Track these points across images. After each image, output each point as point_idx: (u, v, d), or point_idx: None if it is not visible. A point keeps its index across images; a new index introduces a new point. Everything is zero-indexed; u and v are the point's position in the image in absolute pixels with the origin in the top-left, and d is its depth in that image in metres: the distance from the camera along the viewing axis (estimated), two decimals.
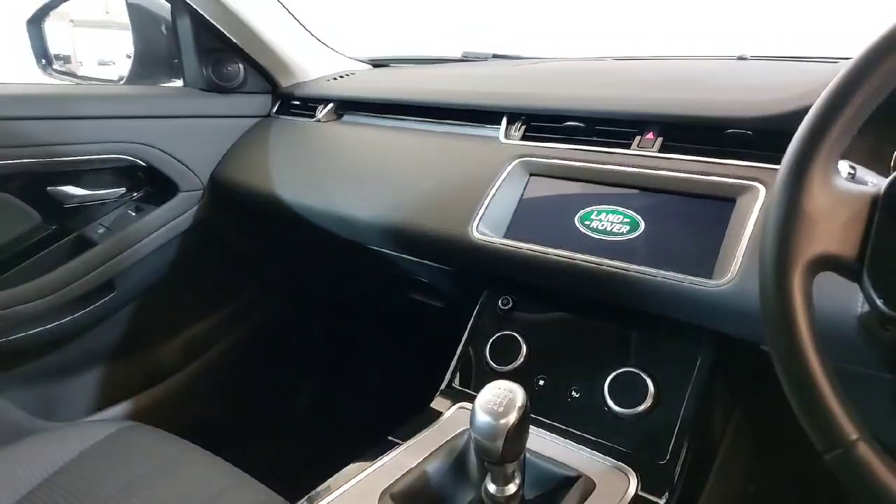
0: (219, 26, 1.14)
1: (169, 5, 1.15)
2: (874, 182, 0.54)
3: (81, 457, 0.84)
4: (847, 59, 0.46)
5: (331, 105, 1.19)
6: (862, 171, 0.55)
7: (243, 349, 1.34)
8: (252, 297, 1.35)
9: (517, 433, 0.57)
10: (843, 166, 0.54)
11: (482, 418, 0.57)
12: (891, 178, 0.44)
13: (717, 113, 0.77)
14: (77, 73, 1.43)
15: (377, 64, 1.44)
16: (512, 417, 0.57)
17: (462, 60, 1.41)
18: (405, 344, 1.34)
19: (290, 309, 1.42)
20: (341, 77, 1.29)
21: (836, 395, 0.41)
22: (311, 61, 1.29)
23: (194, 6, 1.10)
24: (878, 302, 0.43)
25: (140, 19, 1.19)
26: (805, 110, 0.71)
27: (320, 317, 1.46)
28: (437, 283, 1.01)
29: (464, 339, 0.83)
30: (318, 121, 1.18)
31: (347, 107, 1.19)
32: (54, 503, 0.77)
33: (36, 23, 1.23)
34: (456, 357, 0.83)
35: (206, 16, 1.12)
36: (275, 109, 1.28)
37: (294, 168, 1.11)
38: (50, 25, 1.33)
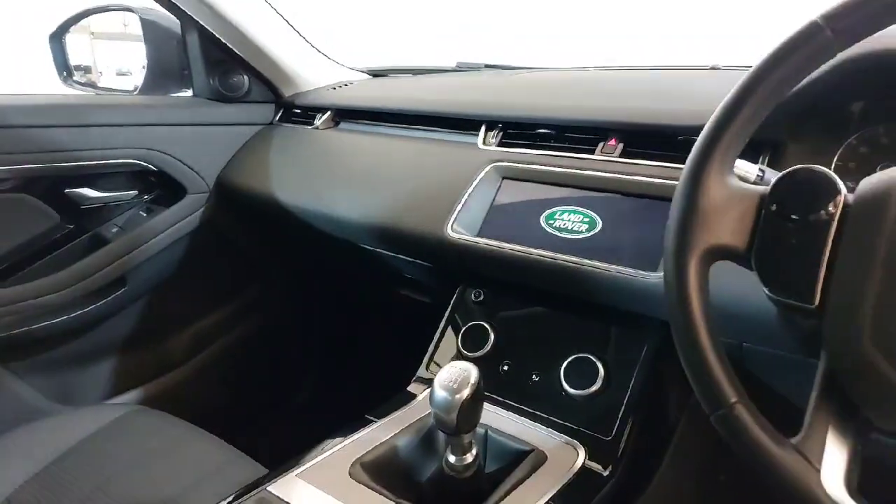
0: (224, 40, 1.22)
1: (179, 21, 1.23)
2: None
3: (92, 437, 0.92)
4: None
5: (328, 113, 1.27)
6: (770, 173, 0.61)
7: (247, 342, 1.42)
8: (256, 294, 1.43)
9: (471, 407, 0.64)
10: (753, 169, 0.60)
11: (440, 394, 0.64)
12: (775, 179, 0.50)
13: (670, 121, 0.84)
14: (97, 83, 1.53)
15: (376, 74, 1.52)
16: (465, 393, 0.64)
17: (456, 70, 1.49)
18: (395, 336, 1.41)
19: (291, 305, 1.50)
20: (340, 87, 1.37)
21: (720, 364, 0.47)
22: (312, 72, 1.38)
23: (202, 22, 1.19)
24: (765, 289, 0.49)
25: (153, 34, 1.27)
26: None
27: (318, 313, 1.53)
28: (422, 278, 1.08)
29: (439, 329, 0.91)
30: (317, 128, 1.27)
31: (344, 115, 1.27)
32: (63, 481, 0.84)
33: (57, 38, 1.32)
34: (432, 345, 0.90)
35: (212, 31, 1.20)
36: (278, 117, 1.37)
37: (292, 172, 1.19)
38: (71, 38, 1.43)
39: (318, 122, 1.27)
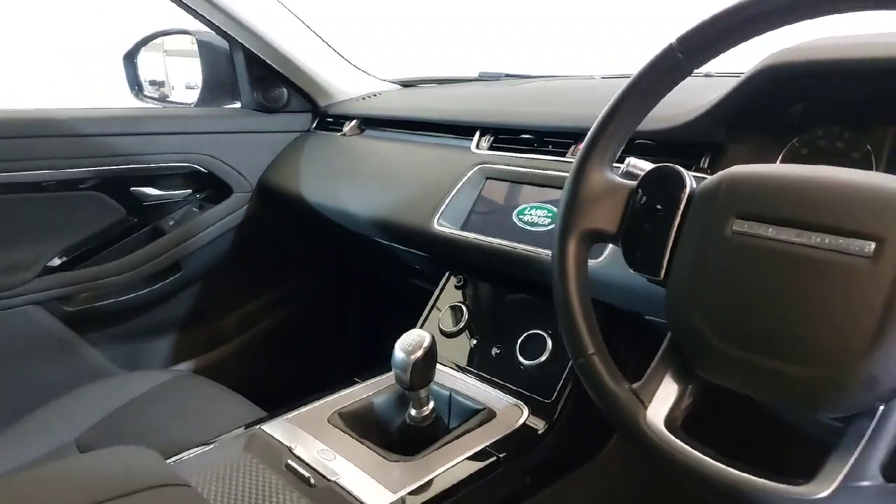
0: (265, 58, 1.40)
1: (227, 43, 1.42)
2: None
3: (145, 395, 1.10)
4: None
5: (355, 122, 1.43)
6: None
7: (287, 325, 1.60)
8: (294, 283, 1.61)
9: (424, 366, 0.78)
10: (647, 165, 0.69)
11: (398, 355, 0.78)
12: (642, 175, 0.61)
13: None
14: (169, 96, 1.75)
15: (406, 84, 1.67)
16: (419, 354, 0.77)
17: (478, 80, 1.61)
18: (406, 320, 1.55)
19: (324, 294, 1.67)
20: (369, 97, 1.53)
21: (585, 323, 0.59)
22: (345, 84, 1.54)
23: (245, 44, 1.37)
24: (629, 265, 0.60)
25: (208, 53, 1.47)
26: (688, 124, 0.88)
27: (346, 301, 1.70)
28: (422, 267, 1.22)
29: (426, 309, 1.04)
30: (344, 135, 1.43)
31: (368, 123, 1.43)
32: (119, 427, 1.01)
33: (130, 58, 1.54)
34: (419, 323, 1.04)
35: (254, 51, 1.38)
36: (314, 125, 1.54)
37: (320, 174, 1.36)
38: (146, 57, 1.65)
39: (345, 129, 1.43)
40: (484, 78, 1.61)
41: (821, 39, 0.79)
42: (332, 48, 1.51)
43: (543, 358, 0.87)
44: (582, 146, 0.63)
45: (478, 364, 0.93)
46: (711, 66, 1.30)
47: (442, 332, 1.00)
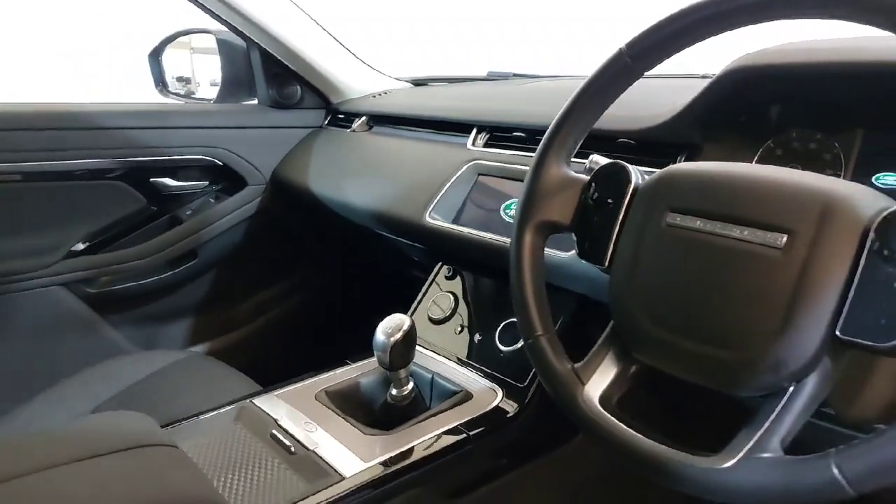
0: (280, 57, 1.47)
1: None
2: None
3: (157, 372, 1.17)
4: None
5: (363, 118, 1.49)
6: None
7: (297, 313, 1.67)
8: (306, 273, 1.68)
9: (402, 348, 0.83)
10: (604, 161, 0.72)
11: (378, 338, 0.83)
12: (594, 172, 0.65)
13: (612, 126, 0.98)
14: (195, 92, 1.83)
15: (418, 83, 1.72)
16: (398, 337, 0.82)
17: (486, 79, 1.66)
18: (403, 308, 1.61)
19: (335, 284, 1.73)
20: (379, 95, 1.59)
21: (536, 307, 0.64)
22: (357, 82, 1.60)
23: (261, 43, 1.44)
24: (580, 257, 0.65)
25: (227, 51, 1.54)
26: (665, 125, 0.91)
27: (351, 290, 1.76)
28: (419, 258, 1.27)
29: (417, 298, 1.10)
30: (353, 131, 1.49)
31: (377, 120, 1.48)
32: (132, 400, 1.09)
33: (155, 56, 1.62)
34: (410, 311, 1.09)
35: (269, 50, 1.45)
36: (326, 122, 1.60)
37: (328, 168, 1.42)
38: (172, 54, 1.73)
39: (354, 125, 1.49)
40: (492, 77, 1.65)
41: (789, 44, 0.82)
42: (345, 47, 1.57)
43: (519, 344, 0.91)
44: (540, 145, 0.68)
45: (460, 349, 0.98)
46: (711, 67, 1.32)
47: (430, 319, 1.05)
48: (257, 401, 0.88)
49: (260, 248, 1.58)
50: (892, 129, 0.77)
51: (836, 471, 0.43)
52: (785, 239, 0.50)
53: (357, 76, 1.60)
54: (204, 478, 0.67)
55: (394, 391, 0.88)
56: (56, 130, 1.28)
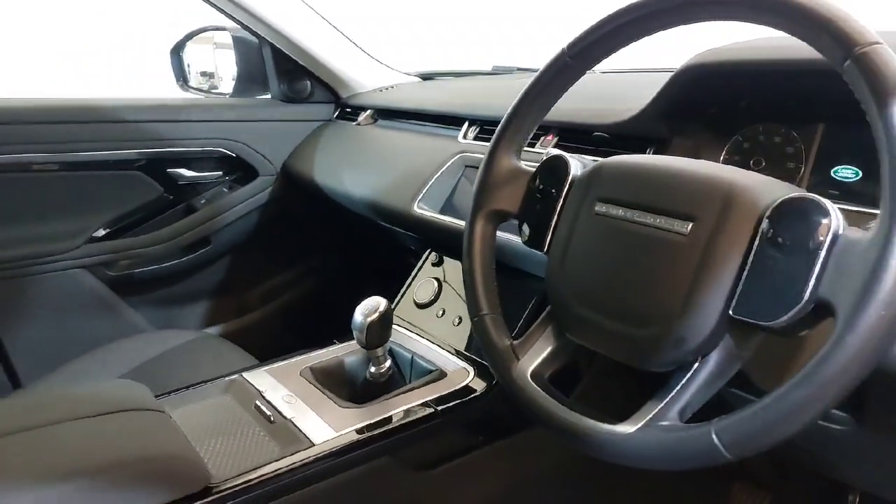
0: (290, 54, 1.54)
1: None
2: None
3: (170, 350, 1.26)
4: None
5: (368, 112, 1.55)
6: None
7: (307, 299, 1.75)
8: (316, 261, 1.75)
9: (378, 328, 0.89)
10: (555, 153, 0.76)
11: (356, 318, 0.89)
12: (539, 164, 0.70)
13: (588, 120, 1.02)
14: (217, 87, 1.91)
15: (425, 77, 1.78)
16: (373, 317, 0.88)
17: (491, 73, 1.70)
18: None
19: (337, 270, 1.80)
20: (386, 89, 1.65)
21: (482, 288, 0.69)
22: (365, 76, 1.66)
23: (271, 41, 1.51)
24: (524, 243, 0.69)
25: (241, 48, 1.61)
26: (633, 119, 0.95)
27: (356, 276, 1.83)
28: (414, 246, 1.33)
29: (406, 284, 1.15)
30: (359, 124, 1.55)
31: (381, 114, 1.54)
32: (145, 374, 1.17)
33: (176, 52, 1.70)
34: (398, 296, 1.15)
35: (280, 47, 1.52)
36: (336, 115, 1.67)
37: (334, 160, 1.49)
38: (197, 49, 1.81)
39: (360, 119, 1.55)
40: (497, 71, 1.70)
41: (751, 41, 0.85)
42: (354, 44, 1.63)
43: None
44: (492, 139, 0.72)
45: (440, 332, 1.03)
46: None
47: (415, 303, 1.11)
48: (247, 375, 0.95)
49: (270, 236, 1.66)
50: (851, 124, 0.79)
51: (715, 438, 0.47)
52: (690, 226, 0.54)
53: (365, 71, 1.66)
54: (184, 439, 0.74)
55: (372, 369, 0.94)
56: (80, 123, 1.37)
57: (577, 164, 0.67)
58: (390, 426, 0.83)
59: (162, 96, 1.55)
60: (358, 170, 1.37)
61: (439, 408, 0.87)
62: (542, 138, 1.08)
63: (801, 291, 0.47)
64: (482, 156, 1.14)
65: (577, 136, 1.04)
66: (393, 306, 1.14)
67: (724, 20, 0.56)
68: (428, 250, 1.18)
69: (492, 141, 0.72)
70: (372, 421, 0.84)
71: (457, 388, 0.91)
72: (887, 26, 0.67)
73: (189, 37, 1.71)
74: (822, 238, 0.47)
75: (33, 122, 1.33)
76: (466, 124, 1.24)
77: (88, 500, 0.63)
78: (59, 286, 1.39)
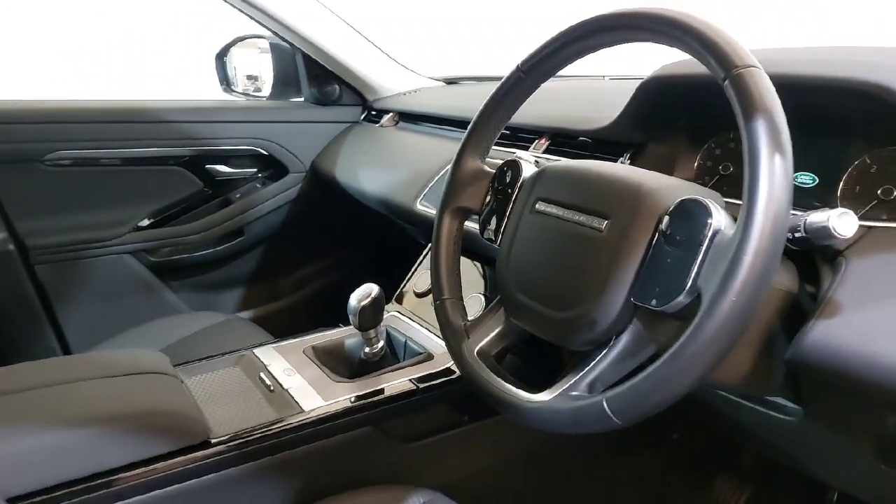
0: (319, 60, 1.66)
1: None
2: None
3: (202, 330, 1.39)
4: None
5: (391, 114, 1.66)
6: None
7: (334, 288, 1.87)
8: (340, 251, 1.87)
9: (370, 311, 0.99)
10: (529, 157, 0.84)
11: (351, 302, 0.99)
12: (498, 167, 0.78)
13: (575, 126, 1.09)
14: (261, 89, 2.05)
15: (450, 81, 1.87)
16: (366, 302, 0.98)
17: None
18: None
19: (363, 261, 1.92)
20: (410, 93, 1.75)
21: (446, 275, 0.77)
22: (391, 81, 1.76)
23: (303, 48, 1.63)
24: (483, 235, 0.78)
25: (277, 54, 1.74)
26: (610, 126, 1.02)
27: (376, 269, 1.93)
28: (420, 239, 1.42)
29: (409, 274, 1.25)
30: (382, 126, 1.66)
31: (403, 117, 1.64)
32: (181, 350, 1.31)
33: (220, 58, 1.84)
34: (402, 285, 1.25)
35: (310, 54, 1.64)
36: (362, 117, 1.78)
37: (356, 160, 1.60)
38: (243, 53, 1.95)
39: (383, 121, 1.66)
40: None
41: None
42: (380, 50, 1.74)
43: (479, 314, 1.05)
44: (460, 143, 0.81)
45: (432, 318, 1.12)
46: None
47: (415, 292, 1.20)
48: (257, 351, 1.06)
49: (299, 229, 1.78)
50: (808, 133, 0.84)
51: (605, 406, 0.55)
52: (606, 223, 0.61)
53: (391, 76, 1.77)
54: (191, 400, 0.86)
55: (367, 349, 1.04)
56: (129, 123, 1.53)
57: (530, 168, 0.75)
58: (375, 399, 0.93)
59: (203, 99, 1.69)
60: (373, 168, 1.47)
61: (422, 385, 0.96)
62: (536, 141, 1.16)
63: (684, 281, 0.54)
64: None
65: (565, 141, 1.12)
66: (396, 295, 1.25)
67: (633, 42, 0.63)
68: (429, 244, 1.27)
69: (459, 146, 0.81)
70: (359, 394, 0.94)
71: (440, 368, 1.00)
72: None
73: (232, 44, 1.85)
74: (704, 235, 0.54)
75: (88, 121, 1.49)
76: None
77: (101, 445, 0.75)
78: (108, 269, 1.54)
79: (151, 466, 0.78)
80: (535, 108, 1.25)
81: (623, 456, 1.27)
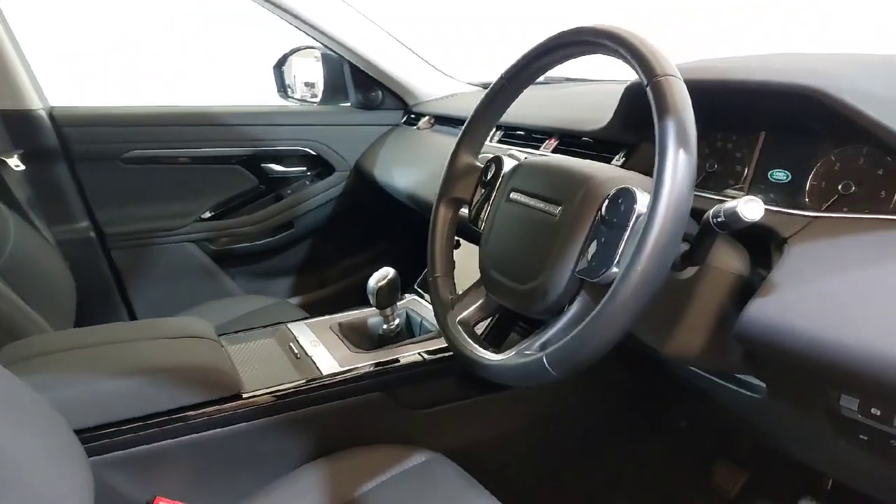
0: (364, 69, 1.80)
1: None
2: None
3: (253, 311, 1.57)
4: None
5: (427, 118, 1.79)
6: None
7: None
8: (382, 244, 2.02)
9: (386, 292, 1.12)
10: (521, 155, 0.95)
11: (370, 283, 1.13)
12: (485, 162, 0.89)
13: (580, 127, 1.19)
14: (318, 95, 2.22)
15: (486, 86, 1.97)
16: (382, 283, 1.12)
17: (543, 83, 1.88)
18: None
19: (402, 252, 2.05)
20: (446, 98, 1.87)
21: (439, 256, 0.89)
22: (430, 86, 1.89)
23: (349, 58, 1.78)
24: (471, 221, 0.89)
25: (328, 63, 1.90)
26: (606, 127, 1.11)
27: (414, 260, 2.06)
28: None
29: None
30: (419, 129, 1.79)
31: (439, 120, 1.77)
32: (234, 329, 1.48)
33: (278, 67, 2.02)
34: (423, 273, 1.37)
35: (356, 63, 1.79)
36: (403, 121, 1.92)
37: (393, 159, 1.74)
38: (299, 62, 2.13)
39: (419, 124, 1.79)
40: (548, 81, 1.87)
41: (693, 62, 0.99)
42: (420, 58, 1.87)
43: None
44: (455, 142, 0.93)
45: None
46: None
47: None
48: (290, 325, 1.21)
49: (343, 222, 1.94)
50: (785, 133, 0.92)
51: (544, 360, 0.65)
52: (559, 209, 0.72)
53: (430, 81, 1.90)
54: (228, 360, 1.01)
55: (384, 326, 1.17)
56: (195, 126, 1.72)
57: (511, 163, 0.86)
58: (384, 368, 1.06)
59: (260, 104, 1.87)
60: (406, 167, 1.61)
61: (428, 358, 1.09)
62: (546, 141, 1.26)
63: (613, 256, 0.64)
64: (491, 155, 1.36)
65: (571, 140, 1.22)
66: (418, 280, 1.38)
67: (587, 54, 0.73)
68: None
69: (455, 144, 0.92)
70: (372, 363, 1.07)
71: (446, 345, 1.12)
72: None
73: (290, 54, 2.02)
74: (629, 218, 0.64)
75: (160, 124, 1.69)
76: (495, 129, 1.43)
77: (151, 392, 0.91)
78: (173, 255, 1.74)
79: (191, 412, 0.93)
80: (547, 112, 1.36)
81: (631, 441, 1.35)
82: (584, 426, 1.29)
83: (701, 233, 0.72)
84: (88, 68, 3.50)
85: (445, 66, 1.95)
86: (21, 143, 1.49)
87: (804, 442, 0.95)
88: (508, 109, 1.49)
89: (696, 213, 0.70)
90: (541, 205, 0.75)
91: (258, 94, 2.02)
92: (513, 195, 0.80)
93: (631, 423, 1.38)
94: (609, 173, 0.72)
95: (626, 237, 0.64)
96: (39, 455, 0.64)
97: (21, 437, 0.62)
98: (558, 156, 0.83)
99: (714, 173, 0.97)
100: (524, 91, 1.73)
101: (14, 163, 1.45)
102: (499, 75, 0.87)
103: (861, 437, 0.75)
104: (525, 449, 1.22)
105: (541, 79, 1.83)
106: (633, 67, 0.66)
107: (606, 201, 0.68)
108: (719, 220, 0.67)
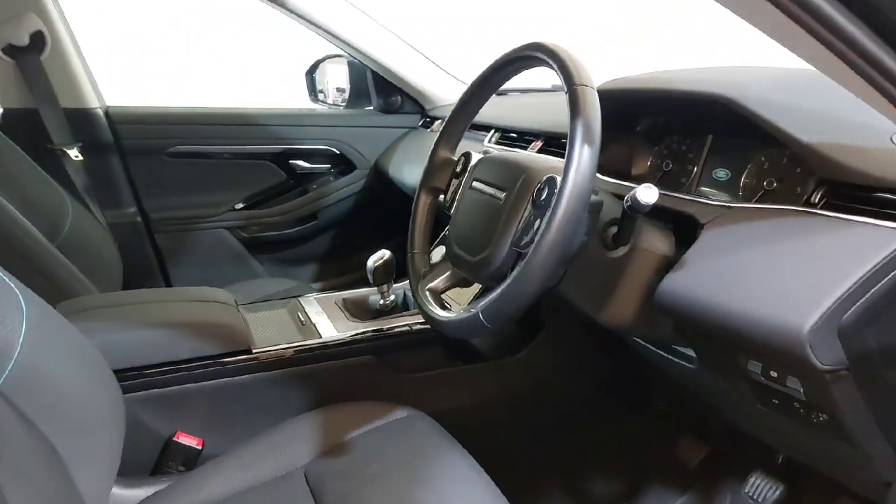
0: (384, 75, 1.98)
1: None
2: None
3: (275, 291, 1.76)
4: None
5: (439, 120, 1.95)
6: None
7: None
8: (397, 237, 2.18)
9: (382, 270, 1.28)
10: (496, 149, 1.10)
11: (368, 263, 1.29)
12: (458, 156, 1.04)
13: (558, 130, 1.33)
14: (347, 99, 2.40)
15: (499, 93, 2.12)
16: (378, 263, 1.28)
17: (549, 90, 2.02)
18: None
19: None
20: None
21: (417, 235, 1.04)
22: (445, 91, 2.05)
23: (370, 66, 1.96)
24: (444, 206, 1.04)
25: (353, 70, 2.08)
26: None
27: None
28: None
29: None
30: (432, 131, 1.95)
31: None
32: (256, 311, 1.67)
33: (309, 73, 2.21)
34: None
35: (377, 70, 1.97)
36: (420, 123, 2.08)
37: (404, 158, 1.91)
38: (332, 69, 2.32)
39: (433, 126, 1.95)
40: (554, 88, 2.01)
41: (644, 74, 1.12)
42: (436, 65, 2.04)
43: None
44: (435, 139, 1.08)
45: None
46: None
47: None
48: (301, 299, 1.39)
49: (363, 216, 2.12)
50: (728, 137, 1.05)
51: (480, 315, 0.80)
52: (504, 194, 0.87)
53: (446, 87, 2.06)
54: (243, 321, 1.19)
55: (381, 301, 1.33)
56: (231, 125, 1.92)
57: (478, 157, 1.01)
58: (376, 335, 1.22)
59: (291, 107, 2.06)
60: (416, 165, 1.77)
61: (415, 327, 1.24)
62: (533, 143, 1.41)
63: (537, 231, 0.79)
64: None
65: (555, 142, 1.36)
66: None
67: (530, 68, 0.88)
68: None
69: (435, 140, 1.08)
70: (366, 330, 1.23)
71: None
72: None
73: (321, 61, 2.21)
74: (550, 200, 0.78)
75: (201, 123, 1.89)
76: (492, 131, 1.59)
77: (175, 342, 1.09)
78: (209, 240, 1.95)
79: (210, 362, 1.11)
80: (536, 116, 1.50)
81: (609, 420, 1.48)
82: (564, 402, 1.43)
83: (622, 217, 0.86)
84: (92, 66, 3.68)
85: (458, 72, 2.11)
86: (80, 137, 1.71)
87: (740, 412, 1.07)
88: (505, 115, 1.65)
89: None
90: (491, 191, 0.90)
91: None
92: (474, 184, 0.95)
93: (610, 403, 1.51)
94: (543, 164, 0.87)
95: (547, 215, 0.78)
96: (82, 386, 0.81)
97: (68, 370, 0.79)
98: (513, 151, 0.97)
99: (670, 172, 1.10)
100: (522, 99, 1.88)
101: (74, 154, 1.67)
102: (468, 85, 1.02)
103: (774, 401, 0.87)
104: (504, 418, 1.37)
105: (534, 87, 1.99)
106: (559, 76, 0.81)
107: (538, 187, 0.82)
108: (628, 205, 0.81)
